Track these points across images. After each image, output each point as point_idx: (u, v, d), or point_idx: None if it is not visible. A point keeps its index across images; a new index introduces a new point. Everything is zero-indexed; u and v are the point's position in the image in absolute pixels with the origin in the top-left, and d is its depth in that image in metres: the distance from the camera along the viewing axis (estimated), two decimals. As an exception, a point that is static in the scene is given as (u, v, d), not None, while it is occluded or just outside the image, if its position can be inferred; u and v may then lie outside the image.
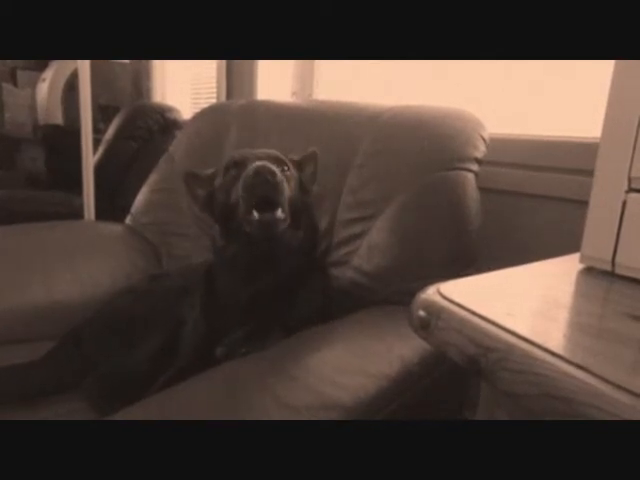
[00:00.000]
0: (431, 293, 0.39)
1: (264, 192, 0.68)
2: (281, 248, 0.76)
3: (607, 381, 0.28)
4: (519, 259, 0.52)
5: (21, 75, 2.79)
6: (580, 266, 0.49)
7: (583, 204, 0.49)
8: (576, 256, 0.49)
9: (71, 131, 2.00)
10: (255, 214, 0.69)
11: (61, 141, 2.40)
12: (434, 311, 0.37)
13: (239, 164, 0.76)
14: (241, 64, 1.85)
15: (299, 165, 0.87)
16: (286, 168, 0.79)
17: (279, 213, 0.70)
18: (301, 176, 0.85)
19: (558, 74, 1.04)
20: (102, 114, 2.43)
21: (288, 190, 0.74)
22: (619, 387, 0.27)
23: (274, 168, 0.69)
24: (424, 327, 0.37)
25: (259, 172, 0.67)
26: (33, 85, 2.74)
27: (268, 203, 0.69)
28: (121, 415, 0.54)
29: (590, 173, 0.47)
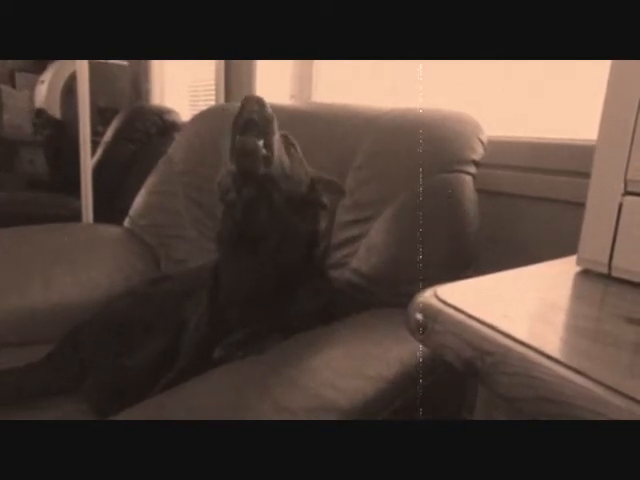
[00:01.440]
0: (428, 296, 0.39)
1: (245, 157, 0.69)
2: (272, 256, 0.75)
3: (603, 384, 0.28)
4: (516, 261, 0.52)
5: (19, 77, 2.79)
6: (577, 269, 0.49)
7: (580, 206, 0.49)
8: (573, 259, 0.49)
9: (70, 132, 2.00)
10: (238, 139, 0.69)
11: (61, 141, 2.39)
12: (431, 314, 0.37)
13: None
14: (240, 66, 1.85)
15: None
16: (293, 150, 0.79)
17: (260, 143, 0.70)
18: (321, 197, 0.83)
19: (557, 76, 1.04)
20: (100, 116, 2.43)
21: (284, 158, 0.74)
22: (615, 391, 0.27)
23: (254, 140, 0.69)
24: (421, 330, 0.37)
25: (242, 145, 0.69)
26: (32, 87, 2.74)
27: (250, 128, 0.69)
28: (120, 417, 0.54)
29: (587, 175, 0.47)
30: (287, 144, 0.79)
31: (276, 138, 0.74)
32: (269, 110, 0.72)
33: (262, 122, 0.70)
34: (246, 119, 0.70)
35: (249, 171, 0.71)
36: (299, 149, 0.83)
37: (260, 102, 0.71)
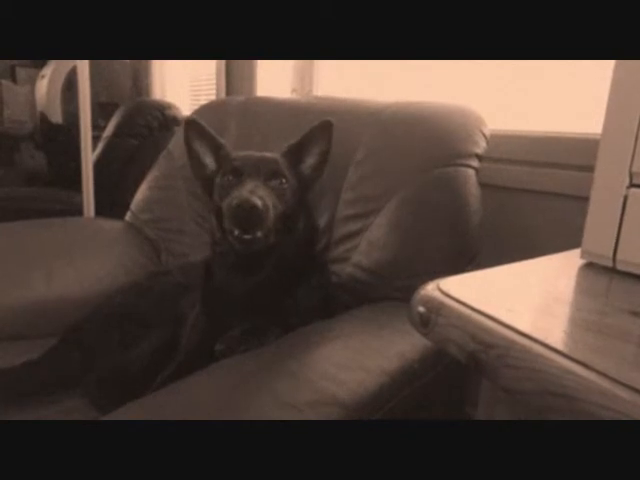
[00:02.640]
0: (431, 289, 0.39)
1: (245, 222, 0.70)
2: (268, 255, 0.76)
3: (608, 377, 0.27)
4: (520, 255, 0.52)
5: (20, 72, 2.78)
6: (581, 262, 0.48)
7: (584, 200, 0.48)
8: (577, 252, 0.48)
9: (70, 128, 2.00)
10: (236, 232, 0.71)
11: (62, 136, 2.39)
12: (434, 307, 0.37)
13: (237, 173, 0.77)
14: (241, 61, 1.84)
15: (299, 150, 0.84)
16: (284, 181, 0.78)
17: (259, 234, 0.71)
18: (301, 169, 0.83)
19: (558, 69, 1.04)
20: (101, 111, 2.42)
21: (280, 205, 0.75)
22: (620, 383, 0.27)
23: (256, 201, 0.69)
24: (424, 323, 0.37)
25: (241, 206, 0.69)
26: (32, 82, 2.73)
27: (249, 227, 0.71)
28: (121, 413, 0.54)
29: (591, 169, 0.47)
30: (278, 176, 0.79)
31: (270, 217, 0.73)
32: (261, 209, 0.70)
33: (257, 225, 0.71)
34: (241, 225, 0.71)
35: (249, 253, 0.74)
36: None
37: (253, 207, 0.69)
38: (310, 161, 0.85)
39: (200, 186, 0.87)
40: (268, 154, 0.82)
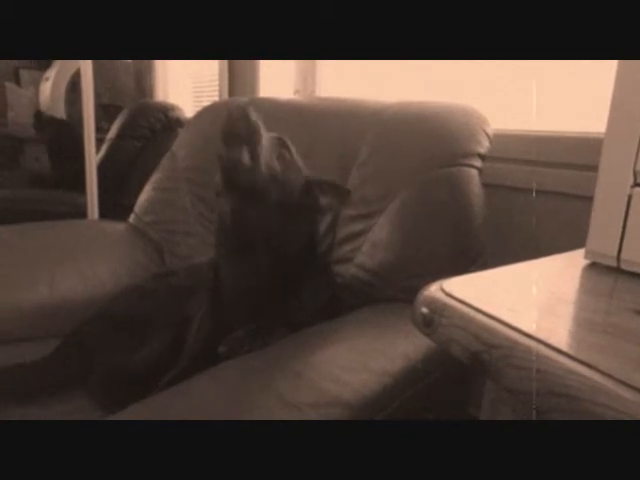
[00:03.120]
0: (434, 290, 0.39)
1: (230, 130, 0.70)
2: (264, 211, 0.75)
3: (612, 377, 0.27)
4: (523, 255, 0.52)
5: (24, 74, 2.80)
6: (585, 262, 0.48)
7: (587, 199, 0.48)
8: (581, 252, 0.48)
9: (74, 129, 2.01)
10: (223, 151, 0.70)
11: (65, 139, 2.40)
12: (437, 308, 0.37)
13: None
14: (243, 62, 1.85)
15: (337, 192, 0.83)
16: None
17: (245, 153, 0.70)
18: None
19: (562, 68, 1.03)
20: (105, 113, 2.43)
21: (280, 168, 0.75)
22: (624, 383, 0.27)
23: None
24: (427, 324, 0.37)
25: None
26: (36, 84, 2.75)
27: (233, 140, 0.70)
28: (125, 413, 0.54)
29: (595, 168, 0.47)
30: (281, 148, 0.79)
31: (263, 146, 0.74)
32: (253, 120, 0.72)
33: (245, 133, 0.71)
34: (229, 131, 0.71)
35: (231, 182, 0.73)
36: (294, 151, 0.82)
37: (244, 113, 0.72)
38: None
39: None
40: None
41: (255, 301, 0.77)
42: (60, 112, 2.62)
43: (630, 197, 0.43)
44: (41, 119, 2.51)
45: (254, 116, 0.73)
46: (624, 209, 0.43)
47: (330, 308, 0.82)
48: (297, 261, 0.80)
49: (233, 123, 0.71)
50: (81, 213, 1.84)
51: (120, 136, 2.25)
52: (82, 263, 1.14)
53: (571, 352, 0.30)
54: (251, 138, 0.72)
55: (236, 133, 0.71)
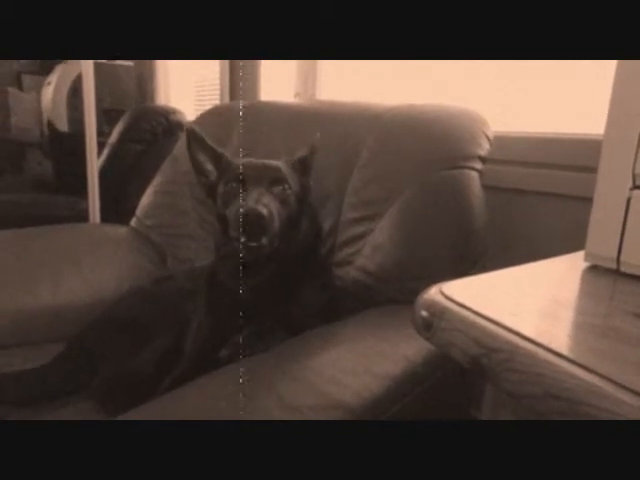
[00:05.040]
0: (433, 293, 0.39)
1: (251, 231, 0.71)
2: (273, 259, 0.77)
3: (612, 381, 0.27)
4: (524, 257, 0.52)
5: (26, 79, 2.81)
6: (585, 264, 0.48)
7: (587, 201, 0.48)
8: (581, 254, 0.48)
9: (76, 135, 2.02)
10: (242, 239, 0.72)
11: (68, 143, 2.41)
12: (437, 311, 0.37)
13: (240, 181, 0.77)
14: (244, 66, 1.85)
15: (306, 162, 0.87)
16: (287, 187, 0.79)
17: (264, 241, 0.72)
18: (303, 181, 0.85)
19: (561, 70, 1.04)
20: (106, 117, 2.44)
21: (283, 211, 0.76)
22: (625, 387, 0.27)
23: (262, 210, 0.71)
24: (427, 328, 0.37)
25: (247, 216, 0.70)
26: (38, 89, 2.75)
27: (255, 235, 0.72)
28: (127, 417, 0.54)
29: (595, 170, 0.47)
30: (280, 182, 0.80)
31: (275, 224, 0.74)
32: (267, 218, 0.72)
33: (263, 233, 0.72)
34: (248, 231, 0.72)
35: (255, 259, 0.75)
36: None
37: (259, 216, 0.71)
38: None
39: (204, 192, 0.88)
40: (271, 161, 0.83)
41: (255, 304, 0.77)
42: (62, 117, 2.63)
43: (629, 200, 0.43)
44: (55, 129, 2.53)
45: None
46: (623, 212, 0.43)
47: (331, 311, 0.82)
48: (299, 262, 0.80)
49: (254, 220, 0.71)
50: (83, 217, 1.84)
51: (122, 140, 2.25)
52: (84, 267, 1.14)
53: (571, 356, 0.30)
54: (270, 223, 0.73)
55: (260, 225, 0.72)
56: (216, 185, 0.83)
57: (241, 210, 0.70)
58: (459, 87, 1.22)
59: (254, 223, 0.70)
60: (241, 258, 0.76)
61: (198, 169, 0.85)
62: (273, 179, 0.78)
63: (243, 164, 0.81)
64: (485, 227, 0.89)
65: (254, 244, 0.72)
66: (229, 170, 0.81)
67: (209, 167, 0.86)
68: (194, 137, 0.85)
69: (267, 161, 0.83)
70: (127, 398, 0.69)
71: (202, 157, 0.85)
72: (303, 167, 0.86)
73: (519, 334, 0.32)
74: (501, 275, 0.45)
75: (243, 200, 0.73)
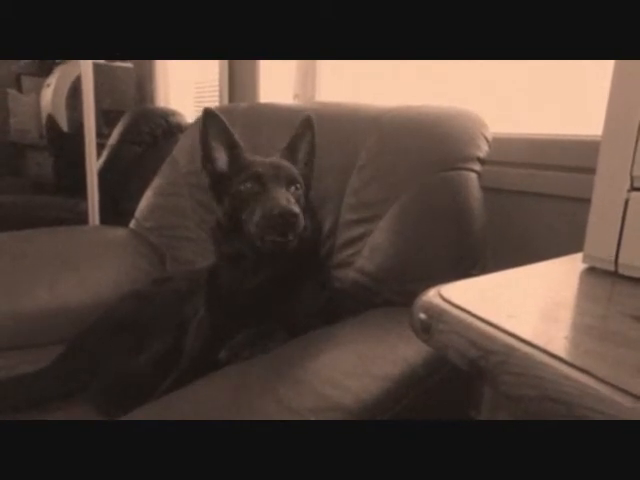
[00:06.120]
0: (432, 295, 0.39)
1: (285, 230, 0.73)
2: (273, 259, 0.77)
3: (609, 384, 0.27)
4: (522, 259, 0.52)
5: (25, 81, 2.81)
6: (583, 266, 0.48)
7: (586, 203, 0.48)
8: (579, 256, 0.48)
9: (75, 136, 2.02)
10: (273, 237, 0.73)
11: (67, 144, 2.41)
12: (434, 314, 0.37)
13: (259, 180, 0.77)
14: (243, 67, 1.85)
15: (290, 151, 0.87)
16: (299, 186, 0.81)
17: (291, 237, 0.73)
18: (298, 169, 0.85)
19: (559, 71, 1.04)
20: (106, 118, 2.44)
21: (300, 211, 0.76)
22: (621, 390, 0.27)
23: (295, 209, 0.72)
24: (425, 330, 0.37)
25: (284, 216, 0.71)
26: (38, 91, 2.75)
27: (287, 232, 0.73)
28: (127, 418, 0.54)
29: (592, 171, 0.47)
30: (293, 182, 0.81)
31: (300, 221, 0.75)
32: (300, 217, 0.74)
33: (295, 231, 0.74)
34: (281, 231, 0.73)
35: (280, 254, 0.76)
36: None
37: (293, 215, 0.73)
38: (301, 158, 0.88)
39: (208, 186, 0.86)
40: (281, 160, 0.83)
41: (255, 305, 0.77)
42: (61, 118, 2.63)
43: (627, 201, 0.43)
44: (55, 124, 2.51)
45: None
46: (621, 213, 0.43)
47: (329, 311, 0.82)
48: (298, 261, 0.80)
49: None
50: (82, 219, 1.84)
51: (121, 141, 2.25)
52: (83, 269, 1.14)
53: (568, 358, 0.30)
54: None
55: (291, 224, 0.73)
56: (225, 178, 0.82)
57: (276, 210, 0.71)
58: (458, 87, 1.22)
59: (290, 221, 0.72)
60: (244, 256, 0.76)
61: (207, 154, 0.83)
62: (289, 179, 0.79)
63: (259, 162, 0.81)
64: (484, 228, 0.89)
65: (284, 240, 0.73)
66: (245, 168, 0.80)
67: (220, 155, 0.84)
68: (212, 120, 0.83)
69: (278, 160, 0.83)
70: (127, 400, 0.69)
71: (215, 143, 0.83)
72: (290, 157, 0.86)
73: (516, 336, 0.32)
74: (499, 277, 0.45)
75: (268, 200, 0.73)
